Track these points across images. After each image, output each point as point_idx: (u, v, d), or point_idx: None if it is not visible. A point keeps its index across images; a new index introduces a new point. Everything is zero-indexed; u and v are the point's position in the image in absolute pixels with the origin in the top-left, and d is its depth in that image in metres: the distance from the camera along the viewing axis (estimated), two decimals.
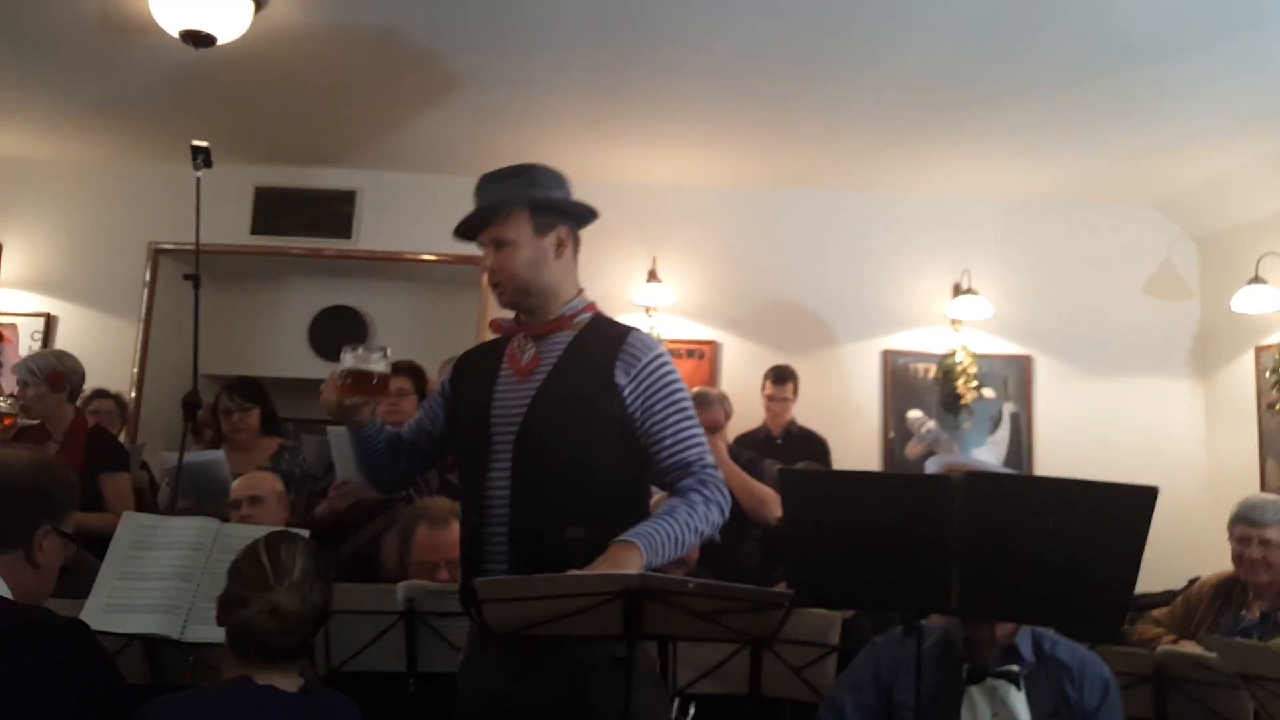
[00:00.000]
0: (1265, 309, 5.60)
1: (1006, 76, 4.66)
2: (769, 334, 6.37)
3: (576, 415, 2.22)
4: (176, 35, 4.06)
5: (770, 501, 4.27)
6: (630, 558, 2.00)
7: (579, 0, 4.13)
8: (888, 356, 6.38)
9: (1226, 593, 3.69)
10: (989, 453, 6.23)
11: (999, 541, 2.15)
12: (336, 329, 7.11)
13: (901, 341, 6.41)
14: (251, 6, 4.08)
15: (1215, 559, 3.95)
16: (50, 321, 6.32)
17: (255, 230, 6.43)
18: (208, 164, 3.97)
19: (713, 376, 6.29)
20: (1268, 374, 5.73)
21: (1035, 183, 6.15)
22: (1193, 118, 5.02)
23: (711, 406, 4.45)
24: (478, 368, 2.40)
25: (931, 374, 6.33)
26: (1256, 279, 5.57)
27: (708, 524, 2.17)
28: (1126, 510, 2.07)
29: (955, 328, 6.35)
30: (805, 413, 5.83)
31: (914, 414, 6.31)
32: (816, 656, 3.07)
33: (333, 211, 6.45)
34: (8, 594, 1.96)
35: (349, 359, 2.30)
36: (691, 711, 3.27)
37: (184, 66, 4.70)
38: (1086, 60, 4.46)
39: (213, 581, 2.49)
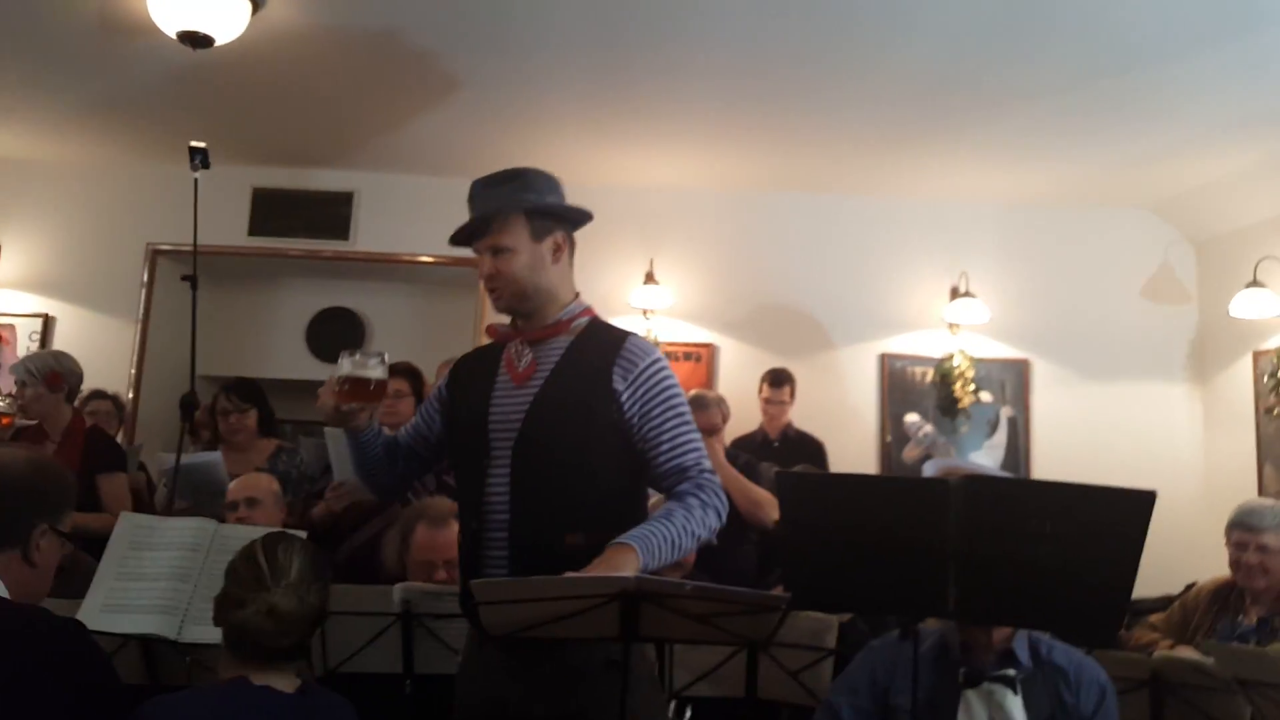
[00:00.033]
0: (1263, 313, 5.61)
1: (1005, 80, 4.66)
2: (766, 337, 6.37)
3: (575, 421, 2.22)
4: (174, 36, 4.05)
5: (767, 504, 4.27)
6: (626, 560, 2.00)
7: (577, 1, 4.13)
8: (885, 360, 6.39)
9: (1224, 598, 3.69)
10: (986, 456, 6.23)
11: (996, 545, 2.15)
12: (334, 330, 7.12)
13: (899, 345, 6.41)
14: (249, 7, 4.07)
15: (1212, 564, 3.96)
16: (48, 322, 6.31)
17: (253, 231, 6.43)
18: (205, 165, 3.97)
19: (710, 379, 6.29)
20: (1265, 379, 5.73)
21: (1033, 186, 6.15)
22: (1190, 121, 5.03)
23: (709, 409, 4.45)
24: (474, 373, 2.40)
25: (929, 377, 6.34)
26: (1255, 283, 5.58)
27: (704, 528, 2.17)
28: (1124, 514, 2.07)
29: (953, 331, 6.35)
30: (802, 416, 5.83)
31: (911, 418, 6.31)
32: (813, 660, 3.08)
33: (330, 213, 6.44)
34: (4, 593, 1.96)
35: (346, 365, 2.30)
36: (688, 714, 3.27)
37: (182, 67, 4.70)
38: (1084, 64, 4.46)
39: (210, 582, 2.49)
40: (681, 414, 2.25)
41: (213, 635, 2.08)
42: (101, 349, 6.05)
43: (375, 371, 2.31)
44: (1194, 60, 4.35)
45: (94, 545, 2.97)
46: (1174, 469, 6.10)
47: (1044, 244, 6.47)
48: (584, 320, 2.35)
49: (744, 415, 5.58)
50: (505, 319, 2.40)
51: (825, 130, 5.41)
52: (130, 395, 6.15)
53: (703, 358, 6.38)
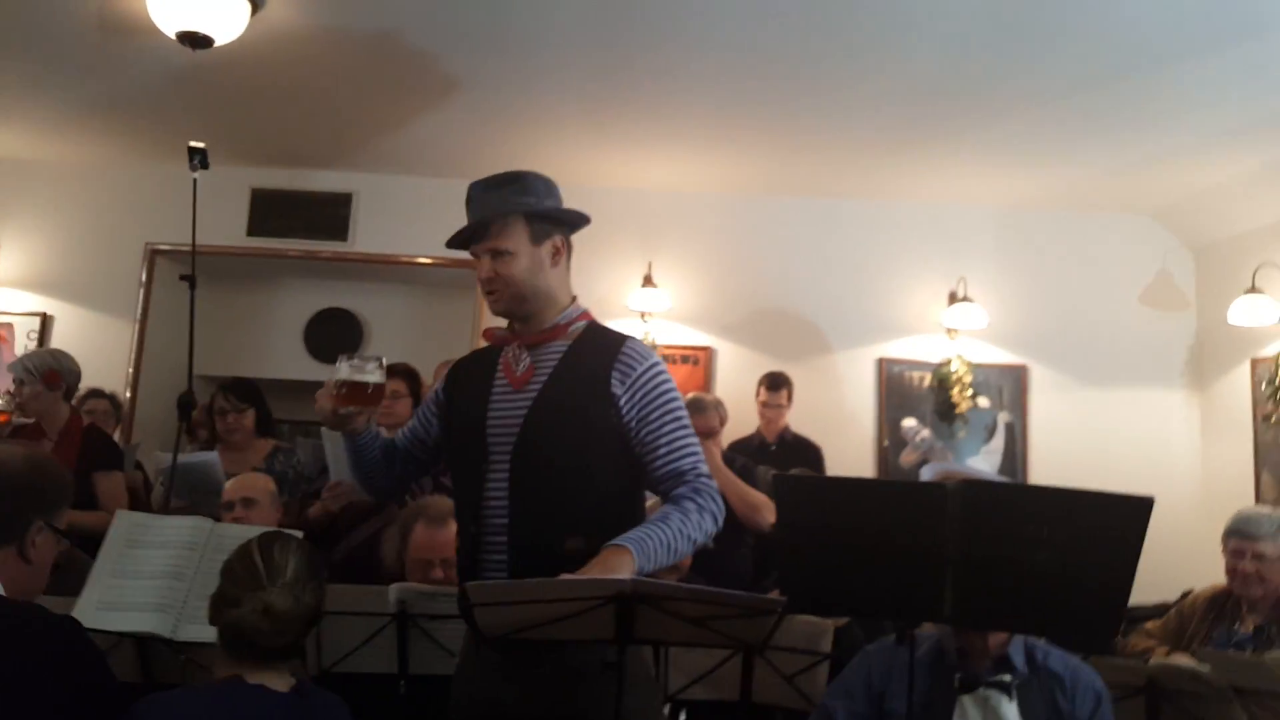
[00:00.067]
0: (1262, 320, 5.60)
1: (1004, 85, 4.67)
2: (764, 340, 6.37)
3: (573, 425, 2.22)
4: (174, 36, 4.06)
5: (764, 508, 4.28)
6: (622, 562, 2.00)
7: (577, 3, 4.13)
8: (883, 364, 6.38)
9: (1220, 606, 3.69)
10: (983, 462, 6.23)
11: (993, 550, 2.14)
12: (332, 331, 7.12)
13: (897, 349, 6.41)
14: (248, 8, 4.08)
15: (1209, 572, 3.96)
16: (46, 321, 6.31)
17: (251, 232, 6.43)
18: (204, 165, 3.97)
19: (707, 383, 6.29)
20: (1263, 386, 5.73)
21: (1032, 192, 6.16)
22: (1189, 128, 5.03)
23: (706, 413, 4.45)
24: (472, 376, 2.40)
25: (926, 382, 6.34)
26: (1253, 289, 5.57)
27: (701, 532, 2.17)
28: (1122, 520, 2.06)
29: (951, 336, 6.35)
30: (800, 420, 5.83)
31: (909, 422, 6.31)
32: (808, 664, 3.07)
33: (329, 214, 6.44)
34: (0, 590, 1.96)
35: (344, 369, 2.30)
36: (683, 717, 3.27)
37: (181, 68, 4.71)
38: (1084, 70, 4.47)
39: (205, 581, 2.49)
40: (679, 418, 2.26)
41: (208, 634, 2.08)
42: (100, 348, 6.05)
43: (373, 376, 2.31)
44: (1192, 66, 4.36)
45: (90, 543, 2.97)
46: (1171, 476, 6.10)
47: (1042, 249, 6.47)
48: (581, 324, 2.36)
49: (741, 418, 5.58)
50: (503, 322, 2.40)
51: (824, 134, 5.42)
52: (128, 394, 6.15)
53: (700, 361, 6.37)
